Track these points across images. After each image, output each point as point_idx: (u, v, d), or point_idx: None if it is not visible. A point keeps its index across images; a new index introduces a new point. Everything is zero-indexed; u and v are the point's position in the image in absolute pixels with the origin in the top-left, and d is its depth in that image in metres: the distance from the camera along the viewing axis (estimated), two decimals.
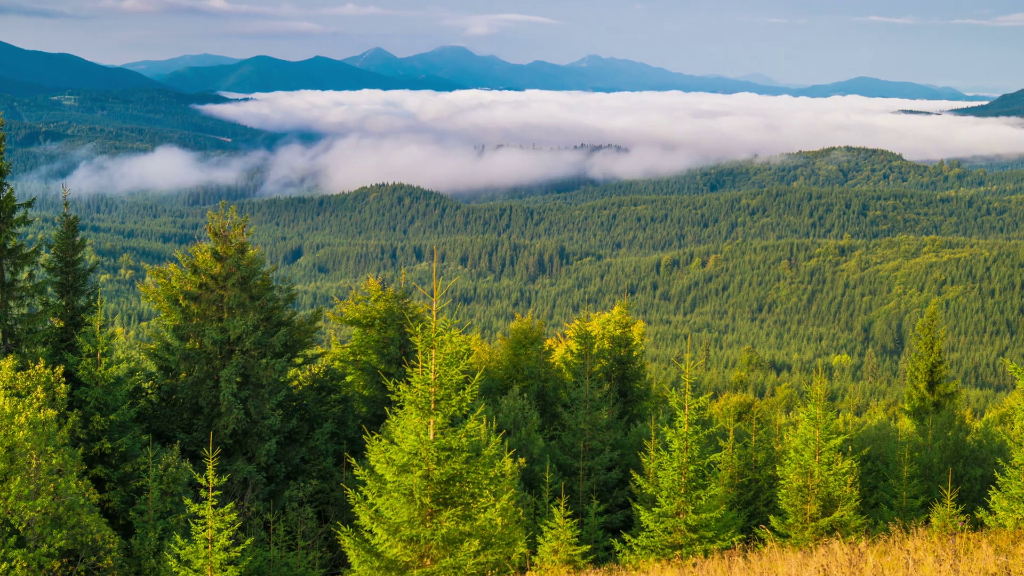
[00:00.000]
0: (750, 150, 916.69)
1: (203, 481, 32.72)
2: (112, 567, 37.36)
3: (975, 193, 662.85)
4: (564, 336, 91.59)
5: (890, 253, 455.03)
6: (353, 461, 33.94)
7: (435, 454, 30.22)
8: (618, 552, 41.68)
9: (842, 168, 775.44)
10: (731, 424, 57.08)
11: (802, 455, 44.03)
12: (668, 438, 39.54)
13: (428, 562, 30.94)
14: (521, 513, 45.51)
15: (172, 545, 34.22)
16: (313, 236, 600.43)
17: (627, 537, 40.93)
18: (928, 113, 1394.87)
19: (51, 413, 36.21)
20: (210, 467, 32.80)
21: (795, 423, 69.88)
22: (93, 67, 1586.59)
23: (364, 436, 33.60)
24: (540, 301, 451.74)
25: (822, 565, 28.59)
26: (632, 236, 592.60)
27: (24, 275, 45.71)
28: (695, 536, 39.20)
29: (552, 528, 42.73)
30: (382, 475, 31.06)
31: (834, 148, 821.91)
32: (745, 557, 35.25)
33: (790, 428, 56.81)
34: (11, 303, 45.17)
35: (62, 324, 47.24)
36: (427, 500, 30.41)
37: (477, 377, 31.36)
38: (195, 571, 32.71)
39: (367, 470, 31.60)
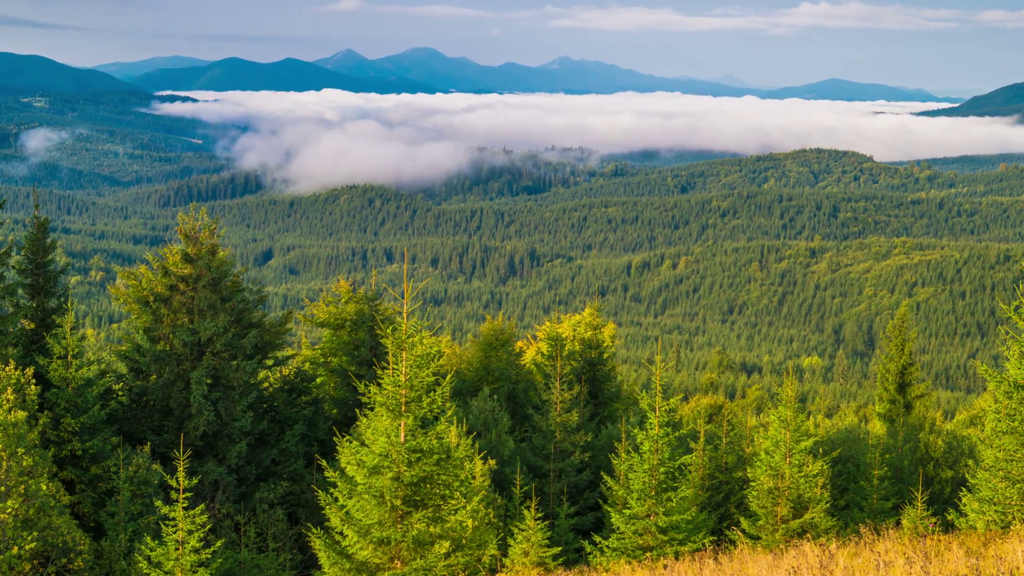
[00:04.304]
0: (721, 152, 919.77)
1: (173, 483, 32.71)
2: (83, 569, 37.25)
3: (946, 195, 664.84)
4: (535, 338, 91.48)
5: (861, 255, 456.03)
6: (324, 463, 33.88)
7: (405, 456, 30.22)
8: (589, 554, 41.76)
9: (813, 170, 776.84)
10: (702, 426, 57.26)
11: (773, 457, 44.16)
12: (639, 440, 39.63)
13: (398, 564, 30.93)
14: (492, 515, 45.55)
15: (143, 547, 34.15)
16: (284, 238, 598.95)
17: (598, 539, 41.02)
18: (900, 115, 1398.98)
19: (21, 415, 36.07)
20: (180, 469, 32.75)
21: (766, 425, 70.04)
22: (64, 69, 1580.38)
23: (335, 438, 33.58)
24: (511, 303, 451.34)
25: (793, 567, 28.67)
26: (603, 238, 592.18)
27: None
28: (666, 538, 39.28)
29: (523, 530, 42.78)
30: (353, 477, 31.05)
31: (805, 150, 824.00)
32: (716, 559, 35.36)
33: (761, 430, 56.95)
34: None
35: (32, 326, 47.01)
36: (397, 502, 30.40)
37: (448, 379, 31.36)
38: (166, 573, 32.65)
39: (338, 472, 31.59)
